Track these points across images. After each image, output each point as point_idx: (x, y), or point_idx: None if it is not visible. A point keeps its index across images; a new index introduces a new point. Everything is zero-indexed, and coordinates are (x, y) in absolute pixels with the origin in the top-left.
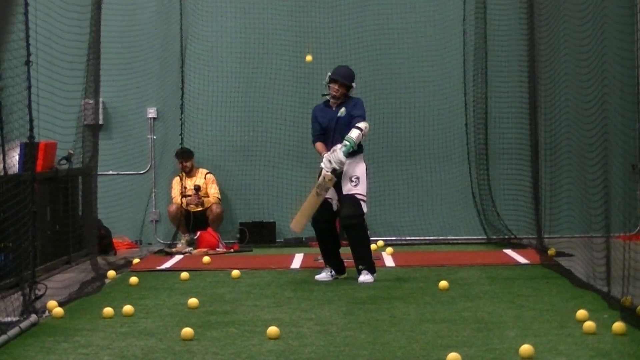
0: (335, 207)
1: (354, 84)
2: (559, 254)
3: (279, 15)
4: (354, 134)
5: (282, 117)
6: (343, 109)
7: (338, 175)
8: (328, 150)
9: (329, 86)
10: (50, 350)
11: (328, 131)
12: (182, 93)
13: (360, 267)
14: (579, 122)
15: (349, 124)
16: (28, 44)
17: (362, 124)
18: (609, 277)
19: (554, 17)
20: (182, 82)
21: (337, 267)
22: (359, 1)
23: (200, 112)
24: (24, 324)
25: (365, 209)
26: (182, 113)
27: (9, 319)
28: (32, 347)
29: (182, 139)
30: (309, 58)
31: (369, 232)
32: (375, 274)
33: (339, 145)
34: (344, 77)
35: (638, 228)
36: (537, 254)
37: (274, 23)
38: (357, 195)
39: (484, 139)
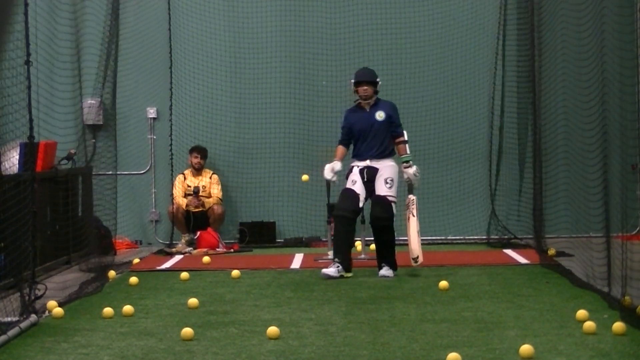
0: (361, 204)
1: (379, 80)
2: (559, 254)
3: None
4: (407, 149)
5: (282, 117)
6: (382, 113)
7: (372, 176)
8: (361, 151)
9: (356, 91)
10: (50, 350)
11: (363, 133)
12: (171, 94)
13: (382, 263)
14: (579, 122)
15: (388, 128)
16: (28, 44)
17: (405, 136)
18: (609, 277)
19: (553, 17)
20: (171, 82)
21: (345, 263)
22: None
23: (199, 111)
24: (23, 324)
25: (395, 210)
26: (170, 114)
27: (9, 319)
28: (32, 347)
29: (171, 139)
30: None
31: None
32: (396, 271)
33: (410, 170)
34: (368, 77)
35: (638, 228)
36: (537, 254)
37: (275, 20)
38: (389, 197)
39: (489, 138)
